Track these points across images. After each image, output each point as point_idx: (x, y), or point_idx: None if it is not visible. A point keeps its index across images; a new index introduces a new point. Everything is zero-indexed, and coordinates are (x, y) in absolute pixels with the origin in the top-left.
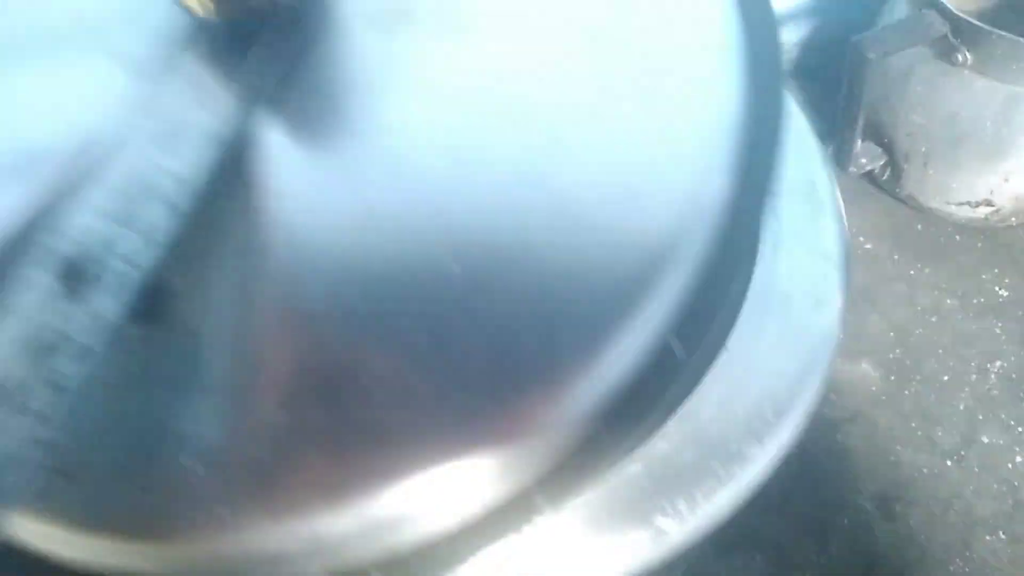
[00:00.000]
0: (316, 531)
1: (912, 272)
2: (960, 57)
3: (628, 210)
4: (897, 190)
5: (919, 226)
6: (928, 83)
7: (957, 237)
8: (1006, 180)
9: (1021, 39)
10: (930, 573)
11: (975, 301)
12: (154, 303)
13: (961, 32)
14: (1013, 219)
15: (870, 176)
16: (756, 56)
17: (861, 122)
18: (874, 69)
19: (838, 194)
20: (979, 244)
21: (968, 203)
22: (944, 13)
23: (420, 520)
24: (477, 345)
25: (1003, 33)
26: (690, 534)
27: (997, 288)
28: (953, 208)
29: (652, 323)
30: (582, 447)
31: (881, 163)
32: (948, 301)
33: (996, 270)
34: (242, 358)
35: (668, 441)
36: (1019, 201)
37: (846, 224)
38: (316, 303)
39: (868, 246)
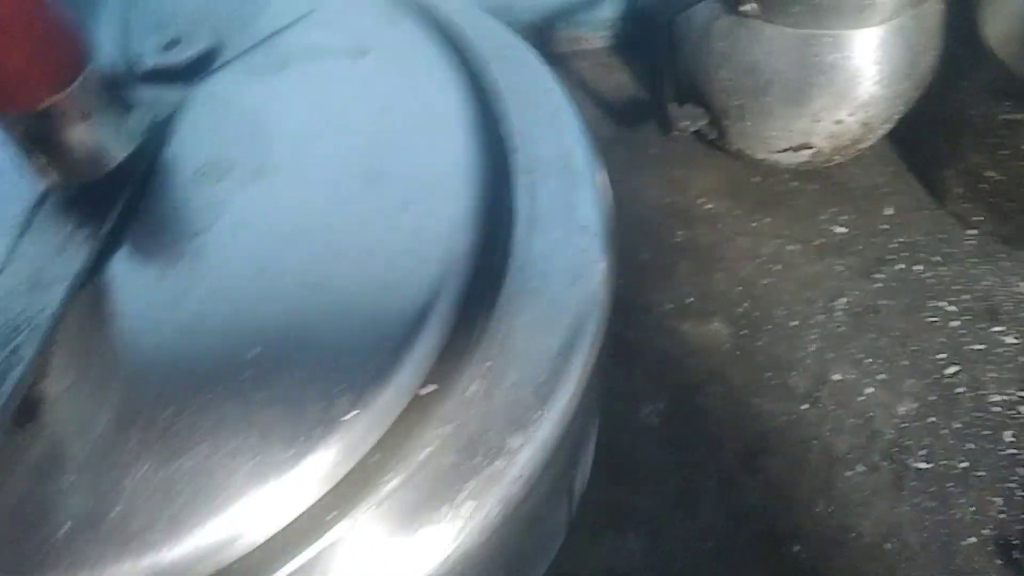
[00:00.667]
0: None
1: (753, 224)
2: (748, 8)
3: (380, 295)
4: (727, 146)
5: (755, 179)
6: (726, 38)
7: (794, 183)
8: (817, 120)
9: None
10: (797, 518)
11: (815, 243)
12: (28, 408)
13: None
14: (838, 157)
15: (700, 137)
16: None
17: (673, 84)
18: (680, 31)
19: (598, 164)
20: (815, 187)
21: (790, 148)
22: None
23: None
24: (274, 402)
25: None
26: (459, 538)
27: (835, 227)
28: (779, 156)
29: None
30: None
31: (704, 122)
32: (789, 248)
33: (833, 209)
34: (96, 438)
35: (431, 448)
36: (836, 138)
37: (609, 193)
38: (151, 391)
39: (709, 206)
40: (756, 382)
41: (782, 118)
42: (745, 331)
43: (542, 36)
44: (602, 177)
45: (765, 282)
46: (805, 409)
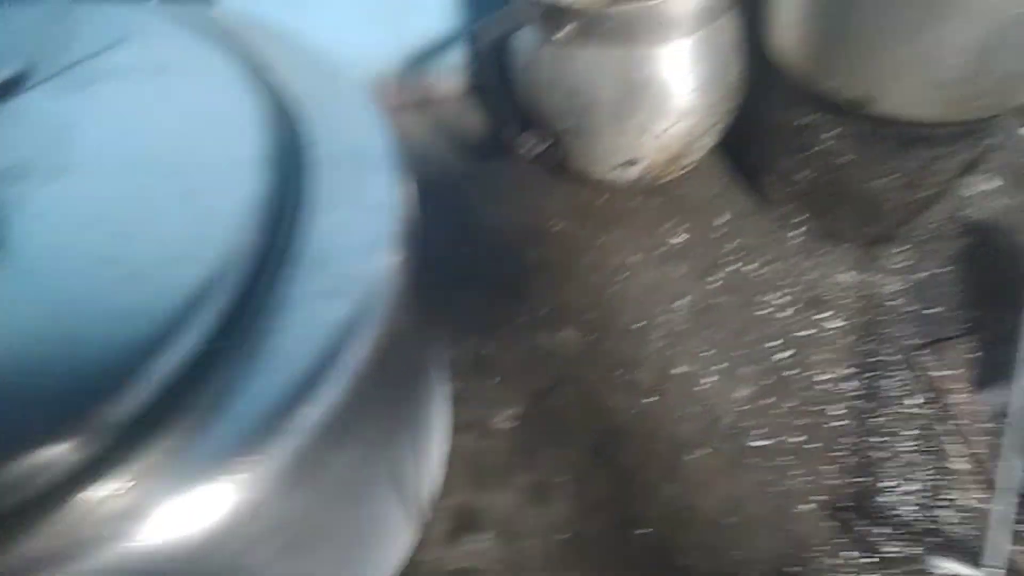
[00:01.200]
0: None
1: (600, 240)
2: (561, 36)
3: (169, 268)
4: (569, 169)
5: (601, 199)
6: (549, 65)
7: (637, 200)
8: (641, 134)
9: (605, 11)
10: (645, 503)
11: (657, 252)
12: None
13: (553, 13)
14: (671, 171)
15: (549, 162)
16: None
17: (515, 114)
18: (510, 61)
19: (395, 154)
20: (656, 202)
21: (621, 164)
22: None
23: None
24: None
25: (580, 8)
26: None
27: (674, 237)
28: (614, 173)
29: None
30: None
31: (543, 147)
32: (633, 258)
33: (673, 221)
34: None
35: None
36: (662, 151)
37: (407, 178)
38: None
39: (559, 227)
40: (606, 381)
41: (609, 136)
42: (595, 335)
43: (396, 85)
44: (398, 165)
45: (612, 291)
46: (651, 402)
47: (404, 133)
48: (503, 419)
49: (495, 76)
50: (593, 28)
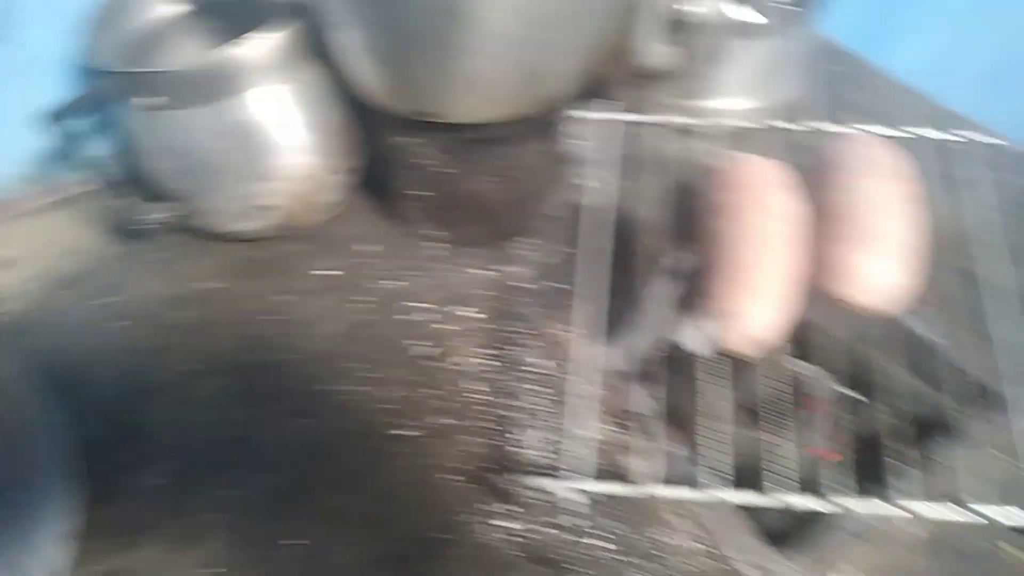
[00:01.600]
0: None
1: (252, 289)
2: (151, 101)
3: None
4: (203, 229)
5: (248, 252)
6: (150, 132)
7: (286, 247)
8: (259, 182)
9: (186, 70)
10: (300, 512)
11: (310, 290)
12: None
13: (136, 82)
14: (311, 210)
15: (180, 226)
16: None
17: (132, 187)
18: (118, 134)
19: None
20: (306, 247)
21: (254, 214)
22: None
23: None
24: None
25: (161, 71)
26: None
27: (327, 273)
28: (252, 223)
29: None
30: None
31: (170, 214)
32: (285, 299)
33: (324, 260)
34: None
35: None
36: (292, 195)
37: None
38: None
39: (208, 286)
40: (262, 424)
41: (228, 189)
42: (247, 378)
43: (32, 188)
44: None
45: (263, 333)
46: (305, 423)
47: (52, 233)
48: (152, 477)
49: (108, 155)
50: (180, 87)
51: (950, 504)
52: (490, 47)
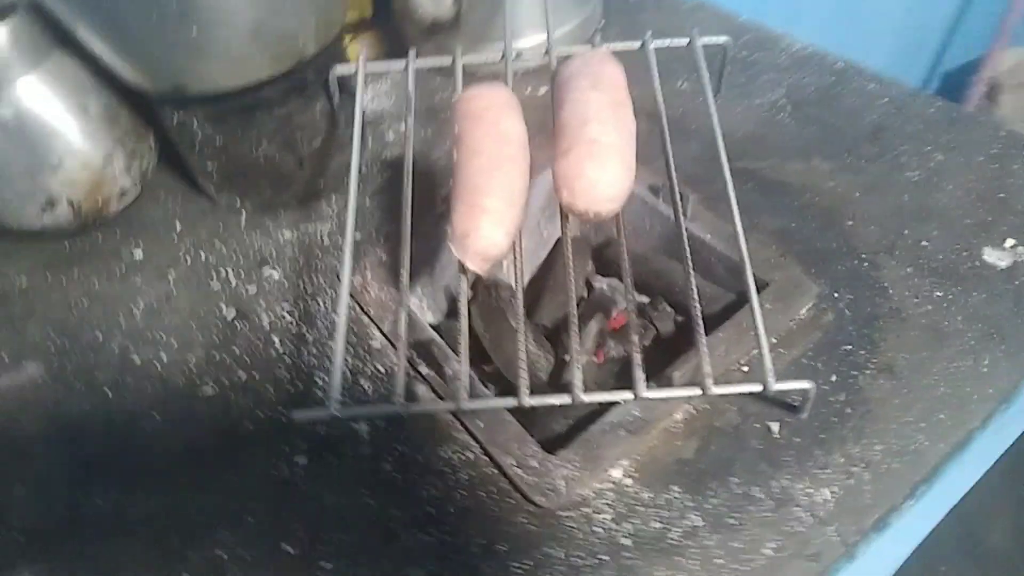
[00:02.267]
0: None
1: (64, 281)
2: None
3: None
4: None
5: (61, 244)
6: None
7: (95, 235)
8: (38, 176)
9: None
10: (99, 485)
11: (117, 272)
12: None
13: None
14: (105, 199)
15: None
16: None
17: None
18: None
19: None
20: (117, 230)
21: (42, 208)
22: None
23: None
24: None
25: None
26: None
27: (134, 253)
28: (44, 218)
29: None
30: None
31: None
32: (94, 284)
33: (131, 241)
34: None
35: None
36: (77, 185)
37: None
38: None
39: (23, 284)
40: (75, 394)
41: (13, 185)
42: (58, 359)
43: None
44: None
45: (74, 319)
46: (109, 395)
47: None
48: None
49: None
50: None
51: (692, 387)
52: (222, 14)
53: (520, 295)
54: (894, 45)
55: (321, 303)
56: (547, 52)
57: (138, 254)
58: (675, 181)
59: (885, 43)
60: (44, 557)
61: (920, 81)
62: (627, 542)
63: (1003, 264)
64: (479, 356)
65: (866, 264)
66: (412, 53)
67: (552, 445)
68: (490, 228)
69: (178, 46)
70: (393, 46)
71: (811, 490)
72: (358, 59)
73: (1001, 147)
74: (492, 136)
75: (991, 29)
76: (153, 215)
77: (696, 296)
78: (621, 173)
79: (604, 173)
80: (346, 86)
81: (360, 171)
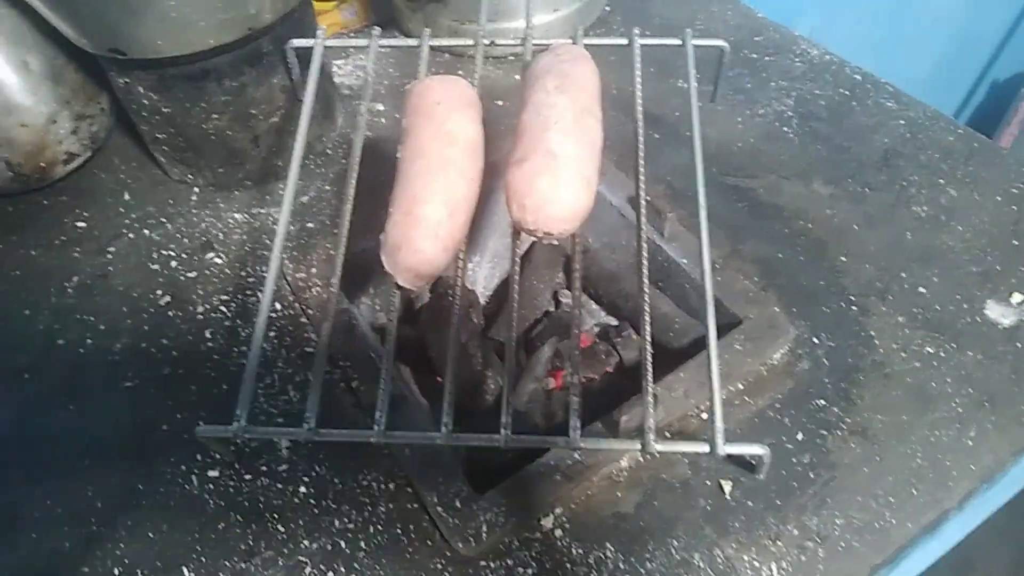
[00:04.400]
0: None
1: (1, 244)
2: None
3: None
4: None
5: (6, 207)
6: None
7: (43, 202)
8: None
9: None
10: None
11: (56, 242)
12: None
13: None
14: (48, 162)
15: None
16: None
17: None
18: None
19: None
20: (62, 199)
21: None
22: None
23: None
24: None
25: None
26: None
27: (76, 224)
28: None
29: None
30: None
31: None
32: (32, 252)
33: (76, 211)
34: None
35: None
36: (16, 146)
37: None
38: None
39: None
40: None
41: None
42: None
43: None
44: None
45: (8, 288)
46: (27, 379)
47: None
48: None
49: None
50: None
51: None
52: None
53: (460, 316)
54: (945, 51)
55: (260, 298)
56: (522, 41)
57: (80, 225)
58: (643, 196)
59: (935, 48)
60: None
61: (965, 92)
62: None
63: (1006, 322)
64: (426, 365)
65: (854, 308)
66: (375, 31)
67: (485, 479)
68: (424, 241)
69: (115, 4)
70: (382, 16)
71: (757, 563)
72: (318, 34)
73: (1022, 186)
74: (438, 136)
75: None
76: (103, 183)
77: (648, 335)
78: (578, 191)
79: (558, 190)
80: (305, 59)
81: (320, 153)
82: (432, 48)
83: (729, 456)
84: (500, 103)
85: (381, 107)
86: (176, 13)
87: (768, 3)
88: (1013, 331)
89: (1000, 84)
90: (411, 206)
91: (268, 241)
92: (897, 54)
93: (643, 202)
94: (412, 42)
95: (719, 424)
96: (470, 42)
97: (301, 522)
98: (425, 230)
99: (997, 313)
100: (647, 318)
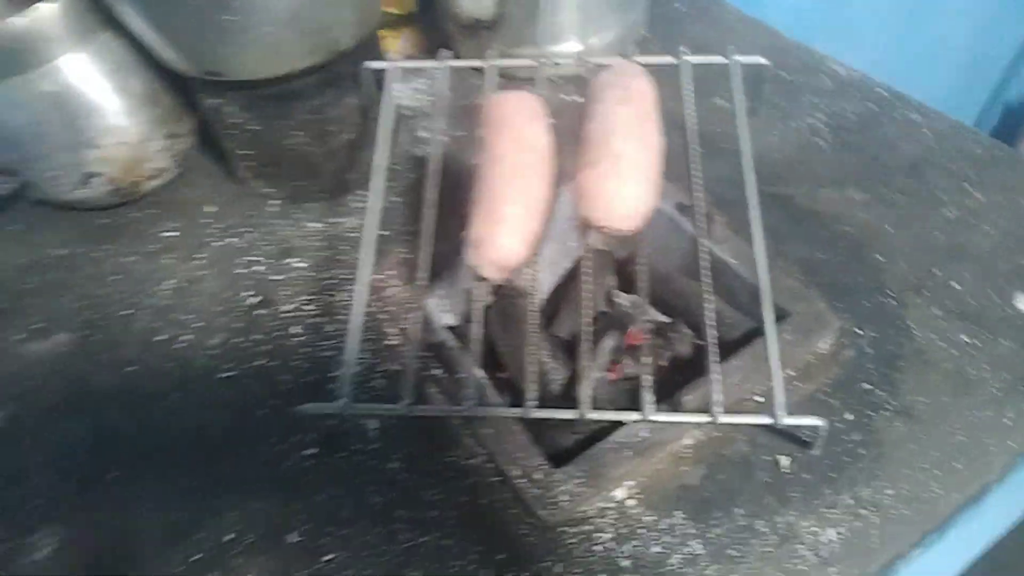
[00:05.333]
0: None
1: (99, 253)
2: None
3: None
4: (42, 197)
5: (102, 220)
6: None
7: (133, 214)
8: (77, 150)
9: None
10: (115, 451)
11: (150, 250)
12: None
13: None
14: (141, 176)
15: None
16: None
17: None
18: None
19: None
20: (152, 211)
21: (81, 182)
22: None
23: None
24: None
25: None
26: None
27: (166, 234)
28: (83, 192)
29: None
30: None
31: (12, 184)
32: (126, 260)
33: (166, 221)
34: None
35: None
36: (115, 161)
37: None
38: None
39: (61, 252)
40: (95, 365)
41: (54, 158)
42: (87, 332)
43: None
44: None
45: (106, 292)
46: (132, 370)
47: None
48: None
49: None
50: None
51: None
52: (259, 2)
53: (536, 305)
54: (955, 73)
55: (341, 296)
56: (580, 60)
57: (170, 235)
58: (700, 200)
59: (946, 71)
60: (59, 521)
61: (979, 111)
62: (626, 563)
63: None
64: (494, 363)
65: (892, 302)
66: (446, 53)
67: (559, 459)
68: (506, 237)
69: (214, 31)
70: (435, 43)
71: (816, 529)
72: (388, 57)
73: None
74: (515, 143)
75: None
76: (188, 196)
77: (712, 319)
78: (642, 190)
79: (624, 188)
80: (382, 82)
81: (388, 168)
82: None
83: (786, 431)
84: (553, 120)
85: (443, 126)
86: (271, 39)
87: (789, 26)
88: None
89: (1013, 105)
90: (493, 205)
91: (344, 247)
92: (909, 78)
93: (700, 203)
94: (480, 63)
95: (780, 398)
96: (533, 63)
97: (393, 494)
98: (507, 227)
99: None
100: (710, 304)
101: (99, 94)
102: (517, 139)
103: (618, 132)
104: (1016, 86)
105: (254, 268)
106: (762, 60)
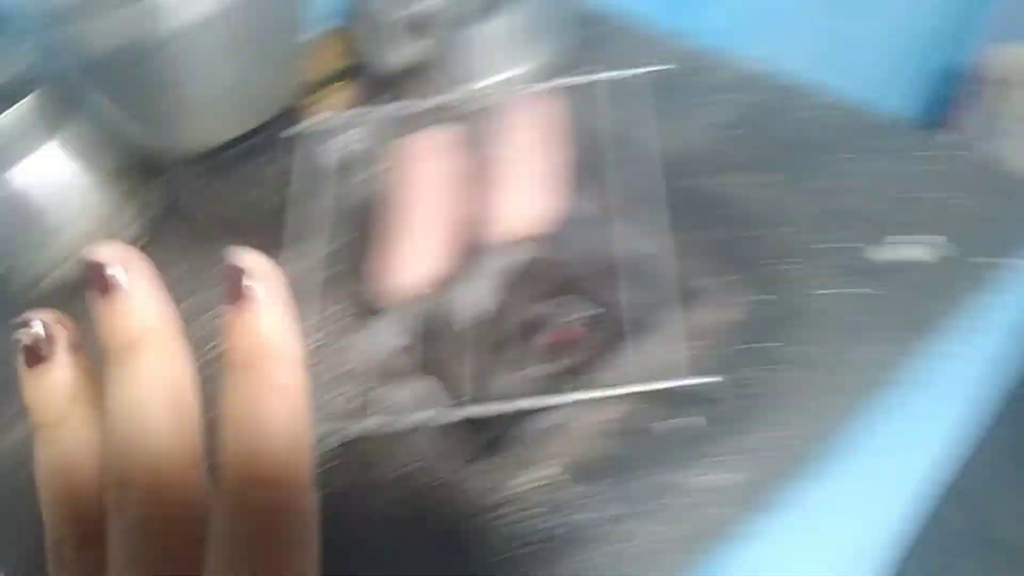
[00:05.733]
0: None
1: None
2: None
3: None
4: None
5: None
6: None
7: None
8: (59, 232)
9: None
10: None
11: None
12: None
13: None
14: None
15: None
16: None
17: None
18: None
19: None
20: None
21: (62, 261)
22: None
23: None
24: None
25: None
26: None
27: None
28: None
29: None
30: None
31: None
32: None
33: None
34: None
35: None
36: (94, 240)
37: None
38: None
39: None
40: None
41: (31, 248)
42: None
43: None
44: None
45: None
46: None
47: None
48: None
49: None
50: None
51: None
52: (196, 80)
53: (466, 319)
54: (887, 59)
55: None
56: (489, 94)
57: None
58: (614, 199)
59: (878, 56)
60: None
61: (911, 93)
62: (561, 532)
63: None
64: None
65: (792, 267)
66: (358, 110)
67: (490, 448)
68: (405, 267)
69: (168, 113)
70: (371, 92)
71: (728, 475)
72: (321, 114)
73: (934, 156)
74: (417, 178)
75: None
76: (158, 260)
77: (623, 301)
78: (542, 197)
79: (521, 199)
80: (312, 137)
81: (329, 215)
82: (407, 115)
83: (695, 392)
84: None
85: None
86: (214, 110)
87: (705, 31)
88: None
89: (942, 86)
90: (395, 236)
91: (300, 291)
92: (841, 67)
93: (613, 200)
94: (378, 113)
95: (686, 363)
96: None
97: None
98: (407, 256)
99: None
100: (625, 290)
101: (72, 177)
102: (422, 175)
103: (522, 152)
104: (947, 66)
105: (217, 320)
106: (669, 66)
